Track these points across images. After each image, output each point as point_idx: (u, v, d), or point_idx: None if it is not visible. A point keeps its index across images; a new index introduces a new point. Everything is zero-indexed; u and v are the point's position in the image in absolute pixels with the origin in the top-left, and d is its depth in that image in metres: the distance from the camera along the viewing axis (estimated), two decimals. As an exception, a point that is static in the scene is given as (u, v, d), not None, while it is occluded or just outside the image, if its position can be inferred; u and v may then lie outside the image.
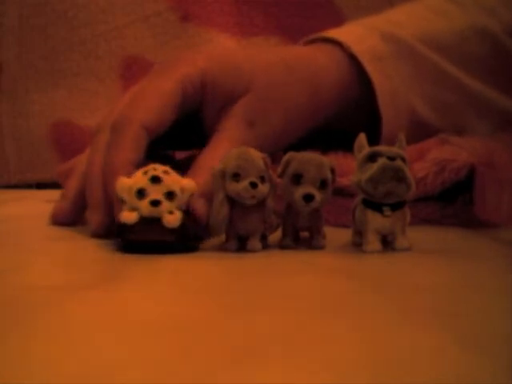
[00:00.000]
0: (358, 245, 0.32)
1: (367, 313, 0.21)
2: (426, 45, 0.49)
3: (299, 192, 0.30)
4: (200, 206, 0.33)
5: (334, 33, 0.48)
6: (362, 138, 0.32)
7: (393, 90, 0.46)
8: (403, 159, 0.30)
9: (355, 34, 0.48)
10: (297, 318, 0.20)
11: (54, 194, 0.64)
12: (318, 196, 0.30)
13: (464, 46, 0.50)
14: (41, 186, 0.71)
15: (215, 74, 0.39)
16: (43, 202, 0.54)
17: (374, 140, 0.44)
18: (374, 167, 0.30)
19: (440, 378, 0.15)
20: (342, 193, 0.38)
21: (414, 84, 0.48)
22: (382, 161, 0.30)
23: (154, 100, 0.36)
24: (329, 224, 0.38)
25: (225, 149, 0.35)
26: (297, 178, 0.31)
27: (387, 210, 0.31)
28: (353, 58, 0.46)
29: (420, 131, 0.47)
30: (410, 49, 0.48)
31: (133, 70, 0.72)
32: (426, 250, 0.32)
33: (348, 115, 0.47)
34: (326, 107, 0.45)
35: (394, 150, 0.31)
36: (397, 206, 0.31)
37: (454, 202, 0.40)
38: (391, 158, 0.30)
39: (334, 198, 0.35)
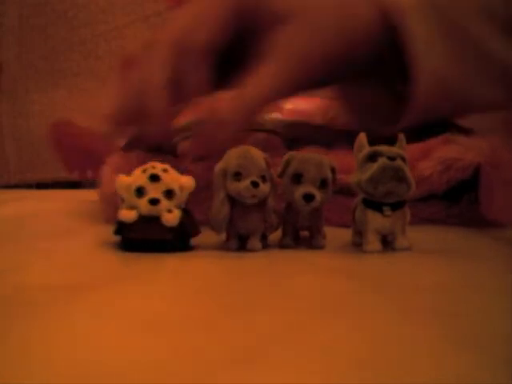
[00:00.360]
0: (358, 245, 0.32)
1: (367, 313, 0.21)
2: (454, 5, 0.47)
3: (299, 191, 0.30)
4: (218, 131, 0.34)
5: None
6: (362, 137, 0.32)
7: (423, 43, 0.45)
8: (403, 159, 0.30)
9: None
10: (297, 318, 0.20)
11: (54, 194, 0.64)
12: (318, 195, 0.30)
13: (495, 10, 0.49)
14: (41, 186, 0.71)
15: None
16: (43, 202, 0.54)
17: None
18: (374, 167, 0.30)
19: (440, 378, 0.15)
20: (345, 192, 0.38)
21: (438, 40, 0.46)
22: (382, 160, 0.30)
23: (210, 21, 0.38)
24: (332, 223, 0.38)
25: (268, 77, 0.37)
26: (297, 178, 0.31)
27: (387, 210, 0.31)
28: (386, 11, 0.44)
29: (441, 92, 0.46)
30: (437, 6, 0.47)
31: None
32: (426, 249, 0.32)
33: (375, 65, 0.46)
34: (359, 45, 0.44)
35: (394, 149, 0.31)
36: (397, 206, 0.31)
37: (460, 202, 0.40)
38: (391, 158, 0.30)
39: (338, 197, 0.35)
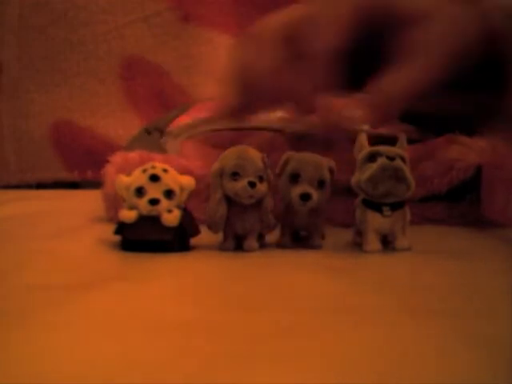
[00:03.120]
0: (358, 245, 0.32)
1: (367, 313, 0.21)
2: None
3: (296, 191, 0.30)
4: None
5: None
6: (362, 137, 0.32)
7: None
8: (403, 159, 0.30)
9: None
10: (296, 318, 0.20)
11: (54, 194, 0.64)
12: (315, 195, 0.30)
13: None
14: (41, 186, 0.71)
15: None
16: (43, 202, 0.54)
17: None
18: (374, 167, 0.30)
19: (441, 378, 0.15)
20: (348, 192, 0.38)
21: None
22: (381, 160, 0.30)
23: (335, 26, 0.37)
24: (335, 223, 0.38)
25: (409, 71, 0.36)
26: (294, 178, 0.31)
27: (387, 210, 0.31)
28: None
29: None
30: None
31: (133, 70, 0.72)
32: (426, 250, 0.32)
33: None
34: (477, 52, 0.42)
35: (393, 149, 0.31)
36: (397, 206, 0.31)
37: (461, 202, 0.40)
38: (391, 158, 0.30)
39: (342, 197, 0.34)
